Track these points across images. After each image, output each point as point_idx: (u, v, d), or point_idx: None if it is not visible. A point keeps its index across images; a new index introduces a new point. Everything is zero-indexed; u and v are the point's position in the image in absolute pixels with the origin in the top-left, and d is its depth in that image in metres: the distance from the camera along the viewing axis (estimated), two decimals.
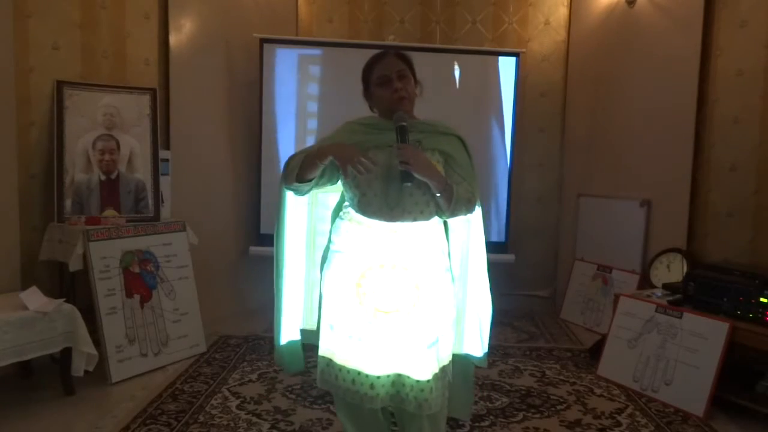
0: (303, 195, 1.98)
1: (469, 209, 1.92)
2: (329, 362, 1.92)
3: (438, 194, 1.84)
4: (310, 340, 2.12)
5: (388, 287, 1.85)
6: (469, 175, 1.94)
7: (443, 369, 1.90)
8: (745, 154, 3.54)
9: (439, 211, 1.90)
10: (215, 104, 4.39)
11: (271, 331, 4.25)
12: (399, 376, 1.86)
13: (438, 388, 1.86)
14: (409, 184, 1.79)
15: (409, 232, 1.86)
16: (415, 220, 1.86)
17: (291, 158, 1.94)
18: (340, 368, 1.88)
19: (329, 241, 1.98)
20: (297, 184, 1.90)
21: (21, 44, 3.33)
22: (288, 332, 2.10)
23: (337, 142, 1.88)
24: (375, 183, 1.84)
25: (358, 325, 1.86)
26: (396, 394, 1.87)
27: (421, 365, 1.84)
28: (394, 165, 1.81)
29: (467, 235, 2.04)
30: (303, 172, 1.87)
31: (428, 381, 1.84)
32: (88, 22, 3.60)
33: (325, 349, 1.93)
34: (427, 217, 1.89)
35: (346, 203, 1.94)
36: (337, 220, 1.97)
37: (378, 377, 1.84)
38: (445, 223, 1.99)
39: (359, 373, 1.85)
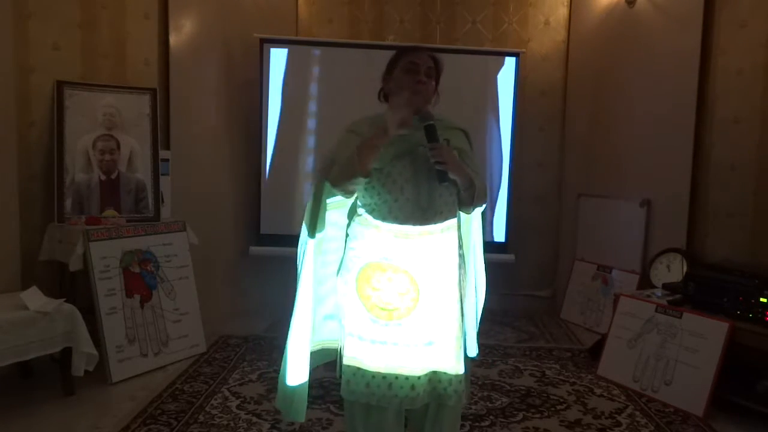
0: (352, 195, 1.88)
1: (485, 201, 1.95)
2: (356, 371, 1.86)
3: (464, 191, 1.85)
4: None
5: (412, 290, 1.84)
6: (478, 168, 1.96)
7: (467, 361, 1.94)
8: (745, 154, 3.54)
9: (463, 207, 1.91)
10: (215, 104, 4.38)
11: (271, 332, 4.29)
12: (435, 372, 1.88)
13: (466, 380, 1.91)
14: (446, 183, 1.79)
15: (429, 233, 1.85)
16: (444, 219, 1.86)
17: (325, 167, 1.84)
18: (374, 375, 1.84)
19: (347, 248, 1.94)
20: (359, 179, 1.78)
21: (21, 44, 3.33)
22: (303, 372, 1.96)
23: (380, 127, 1.78)
24: (406, 186, 1.83)
25: (389, 331, 1.84)
26: (432, 391, 1.88)
27: (456, 359, 1.87)
28: (421, 166, 1.81)
29: (473, 230, 2.06)
30: (363, 161, 1.75)
31: (464, 373, 1.88)
32: (88, 22, 3.60)
33: (350, 358, 1.88)
34: (451, 216, 1.90)
35: (360, 210, 1.91)
36: (355, 226, 1.92)
37: (418, 377, 1.85)
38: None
39: (397, 377, 1.84)
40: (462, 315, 1.95)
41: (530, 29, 4.87)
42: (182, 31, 4.09)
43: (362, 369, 1.86)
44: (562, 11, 4.86)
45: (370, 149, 1.76)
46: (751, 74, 3.51)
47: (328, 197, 1.89)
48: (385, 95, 2.01)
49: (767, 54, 3.43)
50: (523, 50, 4.70)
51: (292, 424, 2.70)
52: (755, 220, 3.50)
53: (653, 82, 4.07)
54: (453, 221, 1.91)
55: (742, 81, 3.56)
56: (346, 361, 1.89)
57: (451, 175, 1.79)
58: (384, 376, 1.84)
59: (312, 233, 1.87)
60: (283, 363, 1.96)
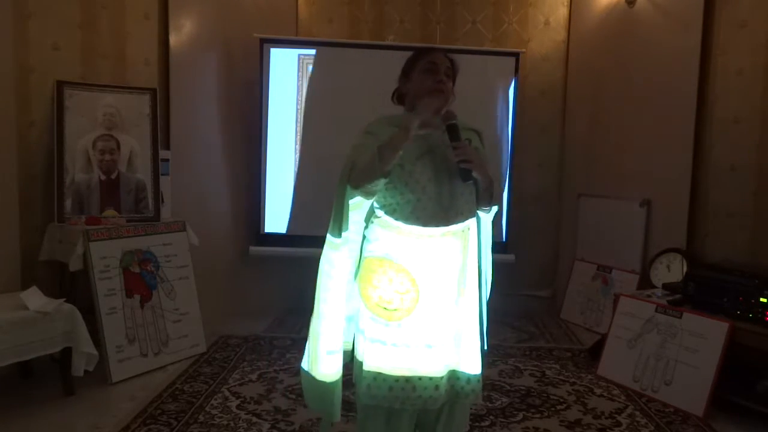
0: (372, 197, 1.85)
1: (500, 201, 1.96)
2: (377, 375, 1.83)
3: (484, 190, 1.86)
4: None
5: (434, 289, 1.83)
6: (492, 169, 1.96)
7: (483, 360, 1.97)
8: (745, 154, 3.54)
9: (482, 207, 1.91)
10: (215, 104, 4.38)
11: (271, 332, 4.29)
12: (453, 371, 1.89)
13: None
14: (470, 181, 1.80)
15: (452, 234, 1.85)
16: (465, 220, 1.87)
17: (351, 164, 1.79)
18: (397, 379, 1.82)
19: (365, 250, 1.92)
20: (380, 180, 1.76)
21: (21, 44, 3.32)
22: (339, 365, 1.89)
23: (402, 127, 1.78)
24: (429, 186, 1.82)
25: (411, 333, 1.83)
26: (451, 389, 1.89)
27: (475, 358, 1.89)
28: (441, 165, 1.81)
29: (485, 229, 2.06)
30: (385, 162, 1.73)
31: (481, 371, 1.90)
32: (88, 22, 3.60)
33: (371, 364, 1.84)
34: (471, 216, 1.90)
35: (378, 212, 1.88)
36: (374, 228, 1.89)
37: (441, 377, 1.85)
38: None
39: (420, 378, 1.82)
40: (480, 314, 1.96)
41: (530, 29, 4.87)
42: (182, 31, 4.09)
43: (383, 373, 1.83)
44: (562, 11, 4.86)
45: (392, 149, 1.75)
46: (751, 74, 3.51)
47: (350, 198, 1.85)
48: (398, 97, 2.00)
49: (767, 54, 3.43)
50: (523, 50, 4.70)
51: (292, 424, 2.70)
52: (755, 220, 3.50)
53: (653, 82, 4.07)
54: (473, 221, 1.91)
55: (742, 81, 3.56)
56: (366, 367, 1.85)
57: (475, 174, 1.79)
58: (407, 379, 1.82)
59: (338, 233, 1.83)
60: (315, 361, 1.89)
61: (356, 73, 4.36)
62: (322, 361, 1.87)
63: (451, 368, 1.88)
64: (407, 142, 1.75)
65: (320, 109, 4.53)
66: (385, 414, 1.89)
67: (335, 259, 1.85)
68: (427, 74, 1.88)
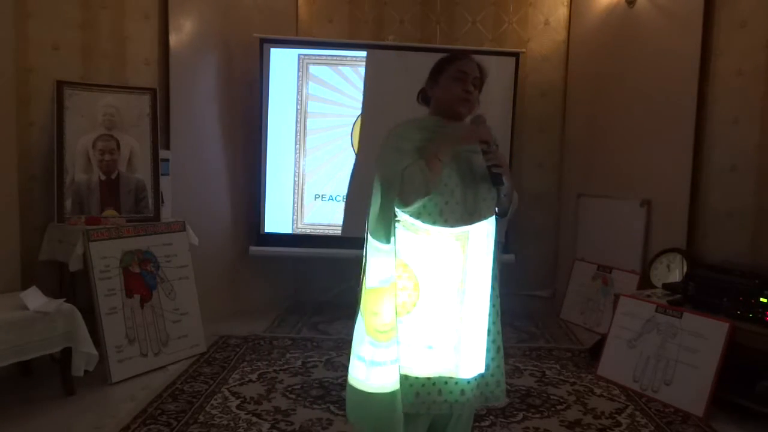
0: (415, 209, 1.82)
1: (516, 208, 2.00)
2: (403, 381, 1.79)
3: (505, 195, 1.89)
4: None
5: (438, 290, 1.84)
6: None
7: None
8: (745, 155, 3.54)
9: (501, 211, 1.93)
10: (215, 104, 4.39)
11: (270, 331, 4.28)
12: (482, 375, 1.88)
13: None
14: (502, 186, 1.83)
15: (474, 235, 1.85)
16: (485, 220, 1.89)
17: (401, 179, 1.75)
18: (423, 383, 1.81)
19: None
20: (428, 195, 1.77)
21: (21, 44, 3.33)
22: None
23: (445, 135, 1.83)
24: (456, 190, 1.83)
25: (443, 334, 1.82)
26: (480, 395, 1.89)
27: (499, 360, 1.92)
28: (465, 170, 1.84)
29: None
30: (435, 174, 1.76)
31: (503, 373, 1.93)
32: (88, 22, 3.61)
33: (404, 367, 1.81)
34: (491, 216, 1.92)
35: (402, 216, 1.85)
36: (400, 233, 1.86)
37: (468, 381, 1.84)
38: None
39: (446, 381, 1.82)
40: (498, 314, 1.96)
41: (530, 29, 4.87)
42: (182, 31, 4.09)
43: (410, 376, 1.81)
44: (562, 11, 4.86)
45: (438, 164, 1.77)
46: (751, 75, 3.50)
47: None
48: (424, 98, 2.01)
49: (767, 54, 3.43)
50: (523, 50, 4.70)
51: (292, 424, 2.70)
52: (755, 220, 3.50)
53: (653, 82, 4.07)
54: (493, 222, 1.92)
55: (742, 82, 3.56)
56: (402, 371, 1.82)
57: (505, 179, 1.83)
58: (434, 382, 1.81)
59: (387, 239, 1.81)
60: (375, 374, 1.79)
61: (356, 73, 4.37)
62: (383, 372, 1.80)
63: (481, 373, 1.88)
64: (449, 154, 1.79)
65: (320, 109, 4.51)
66: (409, 418, 1.86)
67: (391, 265, 1.82)
68: (455, 82, 1.91)
